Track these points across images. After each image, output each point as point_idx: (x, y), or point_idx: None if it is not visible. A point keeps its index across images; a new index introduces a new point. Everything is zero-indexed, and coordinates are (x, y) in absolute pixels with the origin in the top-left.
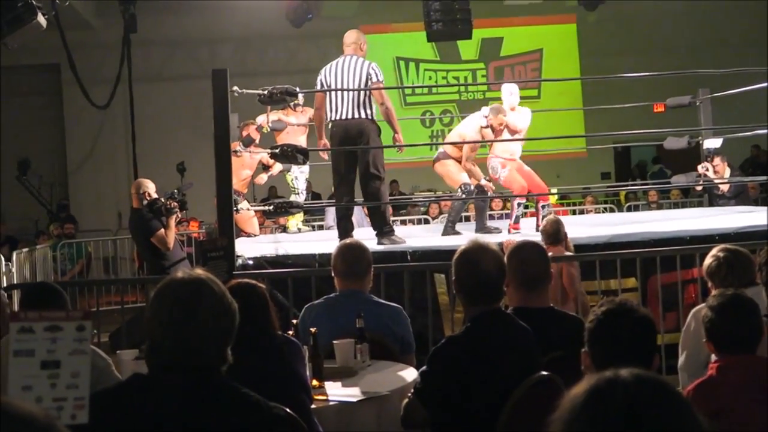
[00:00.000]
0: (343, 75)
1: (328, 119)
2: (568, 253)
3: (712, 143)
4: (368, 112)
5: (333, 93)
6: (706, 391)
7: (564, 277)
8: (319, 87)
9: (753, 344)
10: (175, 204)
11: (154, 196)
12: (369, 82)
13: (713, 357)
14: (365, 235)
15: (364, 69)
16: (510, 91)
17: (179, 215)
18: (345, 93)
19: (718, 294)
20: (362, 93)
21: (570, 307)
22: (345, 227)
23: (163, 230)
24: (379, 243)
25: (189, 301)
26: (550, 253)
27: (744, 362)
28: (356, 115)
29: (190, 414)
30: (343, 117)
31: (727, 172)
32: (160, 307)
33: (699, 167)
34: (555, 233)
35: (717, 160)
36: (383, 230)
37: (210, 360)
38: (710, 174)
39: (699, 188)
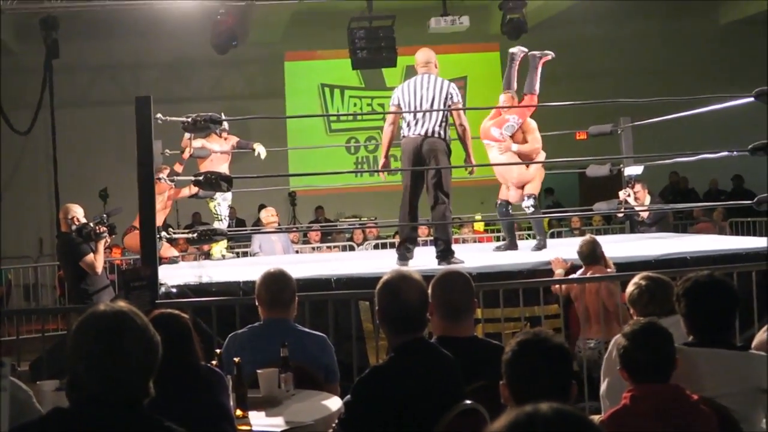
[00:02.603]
0: (423, 93)
1: (402, 135)
2: (609, 271)
3: (634, 170)
4: (444, 131)
5: (407, 108)
6: (619, 420)
7: (604, 295)
8: (396, 103)
9: (665, 373)
10: (104, 229)
11: (83, 220)
12: (450, 102)
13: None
14: (288, 261)
15: (445, 88)
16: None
17: (108, 240)
18: (421, 108)
19: (632, 323)
20: (441, 112)
21: (613, 325)
22: (404, 251)
23: (92, 255)
24: (440, 264)
25: (111, 334)
26: (588, 273)
27: (656, 391)
28: (432, 134)
29: None
30: (420, 133)
31: (648, 199)
32: (81, 341)
33: (620, 194)
34: (591, 253)
35: (638, 187)
36: (445, 253)
37: (132, 393)
38: (631, 201)
39: (620, 215)
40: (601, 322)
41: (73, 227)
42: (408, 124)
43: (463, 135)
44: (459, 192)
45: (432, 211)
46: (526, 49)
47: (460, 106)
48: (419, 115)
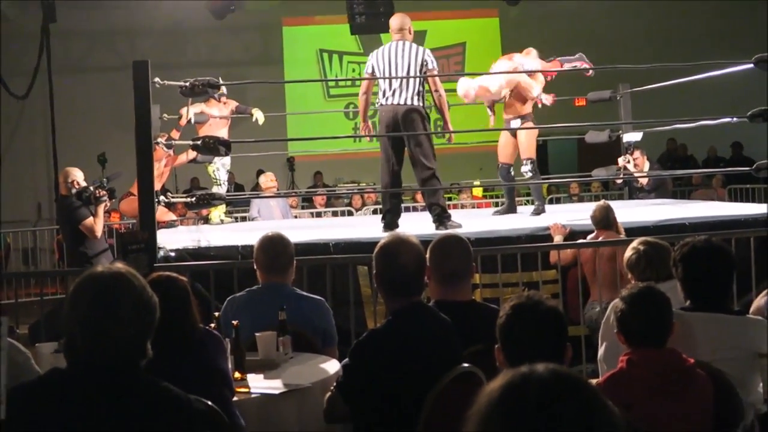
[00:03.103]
0: (397, 60)
1: (378, 104)
2: (621, 236)
3: (632, 137)
4: (420, 99)
5: (385, 78)
6: (616, 383)
7: (619, 260)
8: (369, 71)
9: (662, 338)
10: (104, 193)
11: (83, 184)
12: (425, 69)
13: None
14: (286, 226)
15: (419, 55)
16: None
17: (108, 204)
18: (397, 79)
19: (630, 287)
20: (417, 80)
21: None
22: (391, 219)
23: (91, 218)
24: (437, 229)
25: (108, 295)
26: (600, 238)
27: (653, 355)
28: (408, 102)
29: (109, 410)
30: (394, 102)
31: (647, 166)
32: (78, 302)
33: (619, 160)
34: (604, 218)
35: (637, 154)
36: (441, 217)
37: (130, 355)
38: (630, 167)
39: (619, 181)
40: (618, 287)
41: (73, 191)
42: (384, 94)
43: (439, 102)
44: (457, 158)
45: (420, 179)
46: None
47: (436, 72)
48: (395, 84)
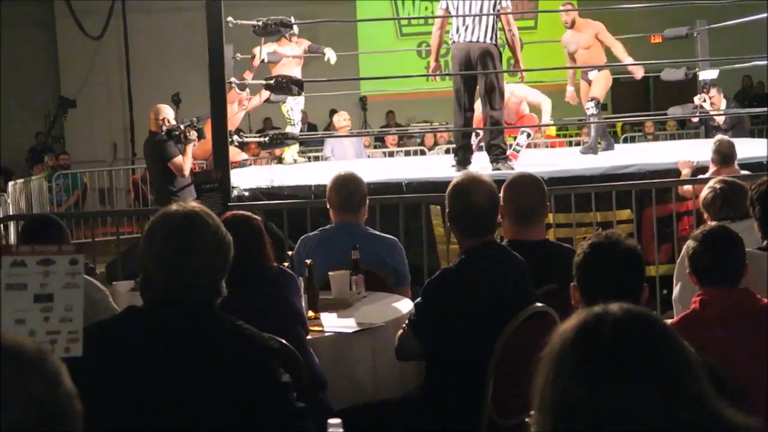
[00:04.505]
0: None
1: (451, 40)
2: (744, 172)
3: (709, 74)
4: (494, 36)
5: (459, 15)
6: (689, 324)
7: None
8: (444, 7)
9: (735, 277)
10: (194, 132)
11: (173, 123)
12: (498, 7)
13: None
14: (358, 166)
15: None
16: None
17: (196, 144)
18: (472, 16)
19: (703, 227)
20: (490, 18)
21: None
22: (463, 156)
23: (180, 157)
24: (494, 169)
25: (183, 233)
26: (721, 174)
27: (726, 295)
28: (482, 39)
29: (184, 347)
30: (467, 40)
31: (723, 104)
32: (153, 240)
33: (696, 99)
34: (730, 153)
35: (713, 92)
36: (499, 158)
37: (204, 293)
38: (707, 106)
39: (695, 120)
40: None
41: (164, 128)
42: (457, 30)
43: (512, 41)
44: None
45: (487, 116)
46: None
47: (510, 10)
48: (468, 21)
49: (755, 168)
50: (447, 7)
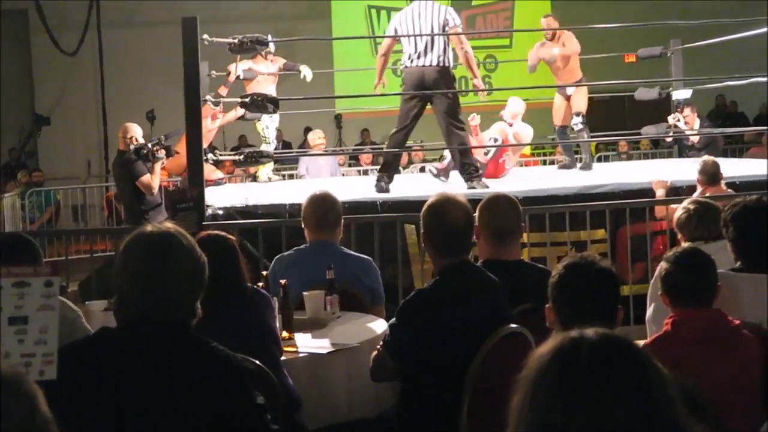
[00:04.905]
0: (420, 20)
1: (403, 65)
2: (729, 191)
3: (682, 94)
4: (446, 58)
5: (409, 39)
6: (662, 345)
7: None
8: (391, 32)
9: (706, 298)
10: (162, 150)
11: (141, 141)
12: (447, 28)
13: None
14: (333, 184)
15: (442, 14)
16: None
17: (165, 162)
18: (422, 39)
19: (676, 248)
20: (441, 39)
21: None
22: (383, 180)
23: (149, 175)
24: (469, 188)
25: (157, 254)
26: (708, 193)
27: (697, 316)
28: (434, 63)
29: (158, 368)
30: (420, 64)
31: (697, 123)
32: (128, 260)
33: (669, 118)
34: (715, 173)
35: (687, 111)
36: (472, 175)
37: (179, 313)
38: (681, 125)
39: (669, 139)
40: None
41: (132, 147)
42: (409, 56)
43: (466, 59)
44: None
45: (448, 139)
46: None
47: (459, 30)
48: (419, 46)
49: (742, 187)
50: (395, 33)
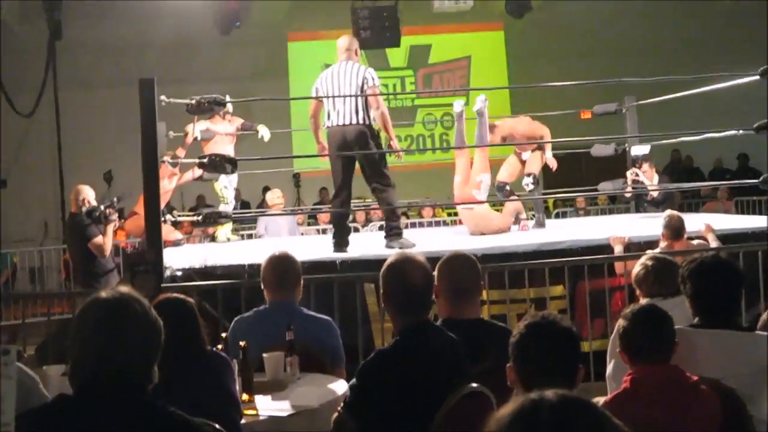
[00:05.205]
0: (340, 81)
1: (325, 125)
2: (696, 243)
3: (640, 150)
4: (365, 117)
5: (329, 99)
6: (622, 402)
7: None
8: (314, 94)
9: (664, 355)
10: (114, 212)
11: (93, 203)
12: (365, 87)
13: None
14: (292, 244)
15: (360, 74)
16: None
17: (117, 224)
18: (341, 99)
19: (633, 305)
20: (359, 99)
21: None
22: (340, 238)
23: (101, 237)
24: (387, 246)
25: (111, 321)
26: (674, 248)
27: (655, 373)
28: (353, 121)
29: None
30: (340, 123)
31: (656, 179)
32: (82, 328)
33: (628, 173)
34: (680, 227)
35: (645, 167)
36: (393, 233)
37: (135, 379)
38: (641, 179)
39: (627, 194)
40: None
41: (84, 209)
42: (329, 116)
43: (382, 120)
44: (439, 174)
45: (378, 198)
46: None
47: (378, 90)
48: (339, 105)
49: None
50: (318, 94)
